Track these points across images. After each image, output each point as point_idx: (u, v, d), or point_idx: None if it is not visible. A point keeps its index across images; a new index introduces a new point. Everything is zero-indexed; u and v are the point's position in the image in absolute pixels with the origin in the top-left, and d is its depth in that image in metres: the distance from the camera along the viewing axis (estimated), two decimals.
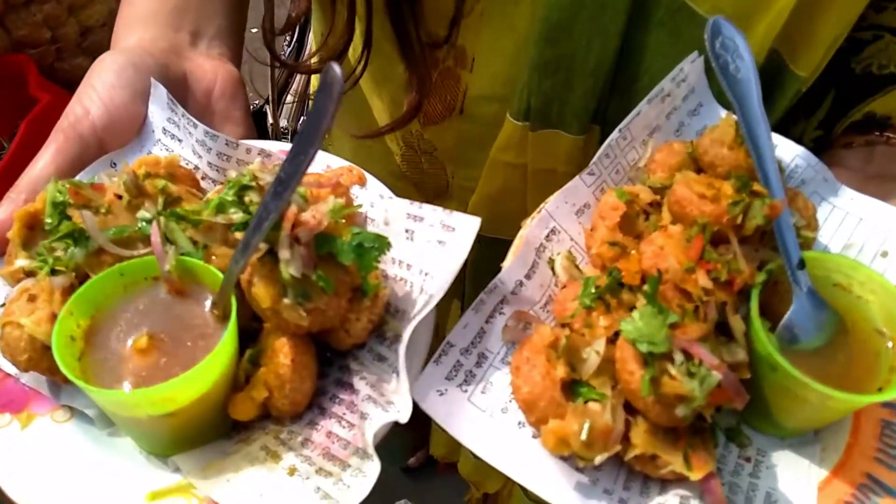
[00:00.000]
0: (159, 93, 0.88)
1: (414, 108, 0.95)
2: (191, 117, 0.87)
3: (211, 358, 0.65)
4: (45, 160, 0.81)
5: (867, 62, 0.91)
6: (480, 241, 1.06)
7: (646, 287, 0.63)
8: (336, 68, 0.59)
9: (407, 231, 0.78)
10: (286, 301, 0.68)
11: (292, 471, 0.66)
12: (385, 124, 1.01)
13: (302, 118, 1.47)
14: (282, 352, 0.70)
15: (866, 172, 0.86)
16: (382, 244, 0.70)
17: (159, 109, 0.89)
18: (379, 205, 0.83)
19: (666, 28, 0.84)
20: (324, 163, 0.89)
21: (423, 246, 0.76)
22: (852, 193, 0.85)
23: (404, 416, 0.63)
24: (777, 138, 0.85)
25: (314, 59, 1.06)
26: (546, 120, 0.93)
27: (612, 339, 0.67)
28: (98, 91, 0.85)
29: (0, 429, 0.69)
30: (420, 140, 1.08)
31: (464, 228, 0.73)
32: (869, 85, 0.91)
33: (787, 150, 0.85)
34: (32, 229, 0.75)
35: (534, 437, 0.66)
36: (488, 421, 0.66)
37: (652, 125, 0.84)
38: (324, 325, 0.71)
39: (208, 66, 0.96)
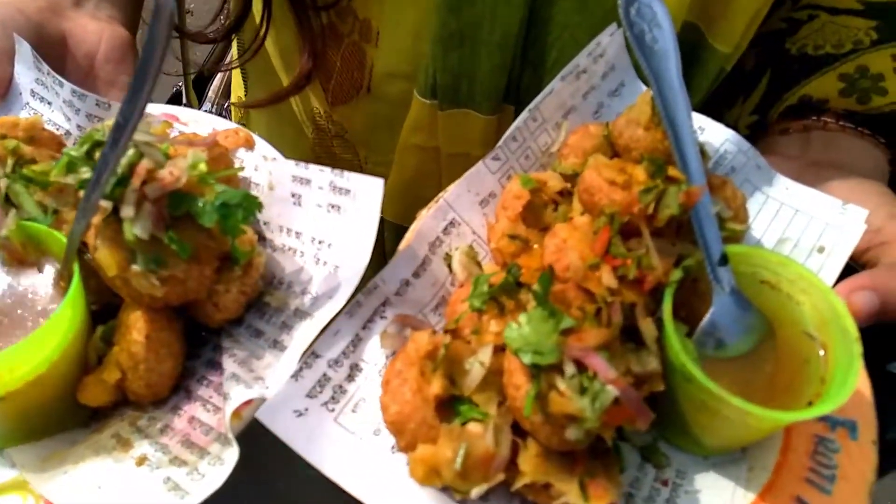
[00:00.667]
0: (24, 50, 0.80)
1: (305, 73, 0.89)
2: (56, 75, 0.78)
3: (42, 331, 0.56)
4: None
5: (802, 43, 0.84)
6: (397, 231, 0.99)
7: (535, 286, 0.54)
8: None
9: (294, 195, 0.70)
10: (135, 268, 0.59)
11: (141, 460, 0.58)
12: (282, 90, 0.93)
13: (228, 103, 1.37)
14: (135, 327, 0.61)
15: (803, 160, 0.79)
16: (251, 205, 0.62)
17: (27, 70, 0.80)
18: (263, 167, 0.74)
19: None
20: (209, 125, 0.81)
21: (313, 211, 0.69)
22: (788, 182, 0.76)
23: (272, 391, 0.56)
24: (704, 121, 0.77)
25: (211, 28, 0.96)
26: (455, 98, 0.86)
27: (504, 348, 0.57)
28: None
29: None
30: (330, 122, 1.00)
31: (364, 191, 0.66)
32: (805, 66, 0.83)
33: (716, 134, 0.77)
34: None
35: (410, 475, 0.56)
36: (357, 445, 0.56)
37: (566, 105, 0.74)
38: (186, 296, 0.62)
39: (92, 28, 0.87)
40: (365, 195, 0.66)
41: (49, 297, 0.62)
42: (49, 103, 0.81)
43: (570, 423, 0.51)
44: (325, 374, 0.58)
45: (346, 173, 0.67)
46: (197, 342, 0.68)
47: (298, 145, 1.09)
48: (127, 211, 0.58)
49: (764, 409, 0.55)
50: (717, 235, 0.62)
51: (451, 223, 0.69)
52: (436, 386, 0.53)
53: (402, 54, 0.88)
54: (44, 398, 0.60)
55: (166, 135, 0.75)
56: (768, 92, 0.87)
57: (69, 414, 0.63)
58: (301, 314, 0.64)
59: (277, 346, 0.62)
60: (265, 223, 0.73)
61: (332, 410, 0.57)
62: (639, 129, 0.66)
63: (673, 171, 0.62)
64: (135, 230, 0.57)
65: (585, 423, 0.50)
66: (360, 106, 0.96)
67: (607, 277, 0.57)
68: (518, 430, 0.55)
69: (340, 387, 0.58)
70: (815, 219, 0.74)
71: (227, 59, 1.27)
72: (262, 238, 0.73)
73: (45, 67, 0.79)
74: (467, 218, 0.70)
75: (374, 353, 0.60)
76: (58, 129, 0.80)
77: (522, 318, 0.52)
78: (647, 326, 0.59)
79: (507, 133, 0.71)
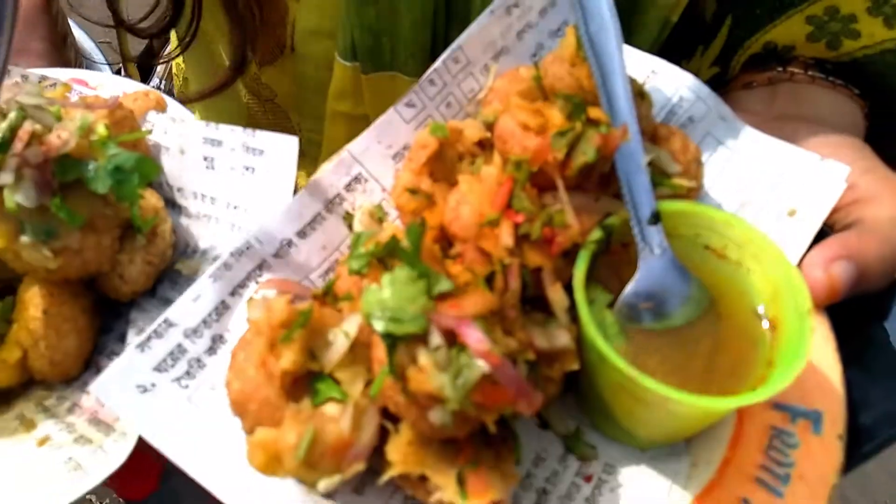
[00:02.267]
0: None
1: (236, 64, 0.83)
2: None
3: None
4: None
5: None
6: None
7: (404, 240, 0.45)
8: None
9: (206, 158, 0.65)
10: (24, 239, 0.55)
11: (43, 441, 0.55)
12: (219, 80, 0.87)
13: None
14: (31, 303, 0.57)
15: (768, 115, 0.69)
16: (148, 169, 0.57)
17: None
18: (172, 130, 0.69)
19: None
20: (118, 89, 0.75)
21: (226, 175, 0.64)
22: (757, 135, 0.66)
23: None
24: (658, 63, 0.67)
25: (145, 23, 0.90)
26: (378, 60, 0.78)
27: None
28: None
29: None
30: (259, 85, 0.94)
31: (277, 150, 0.61)
32: (768, 9, 0.73)
33: (671, 79, 0.66)
34: None
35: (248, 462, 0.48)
36: (213, 429, 0.49)
37: (496, 45, 0.65)
38: (85, 269, 0.58)
39: None
40: (278, 154, 0.61)
41: None
42: None
43: (434, 405, 0.42)
44: (179, 345, 0.50)
45: (258, 132, 0.62)
46: (111, 317, 0.63)
47: (235, 116, 1.02)
48: (5, 178, 0.53)
49: (686, 395, 0.45)
50: (647, 189, 0.52)
51: (356, 178, 0.60)
52: (286, 360, 0.45)
53: (324, 9, 0.80)
54: None
55: (66, 98, 0.69)
56: (730, 40, 0.76)
57: None
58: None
59: None
60: (179, 189, 0.68)
61: (186, 387, 0.50)
62: (564, 66, 0.57)
63: (595, 113, 0.52)
64: (16, 198, 0.53)
65: (448, 405, 0.41)
66: (285, 66, 0.89)
67: (505, 236, 0.48)
68: (389, 415, 0.47)
69: (198, 360, 0.51)
70: (786, 176, 0.64)
71: (166, 49, 1.21)
72: (175, 205, 0.68)
73: None
74: (377, 173, 0.61)
75: (244, 324, 0.52)
76: None
77: (385, 278, 0.44)
78: (555, 294, 0.50)
79: (424, 76, 0.62)
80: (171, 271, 0.64)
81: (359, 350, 0.47)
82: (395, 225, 0.57)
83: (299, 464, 0.42)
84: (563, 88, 0.56)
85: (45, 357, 0.57)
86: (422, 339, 0.42)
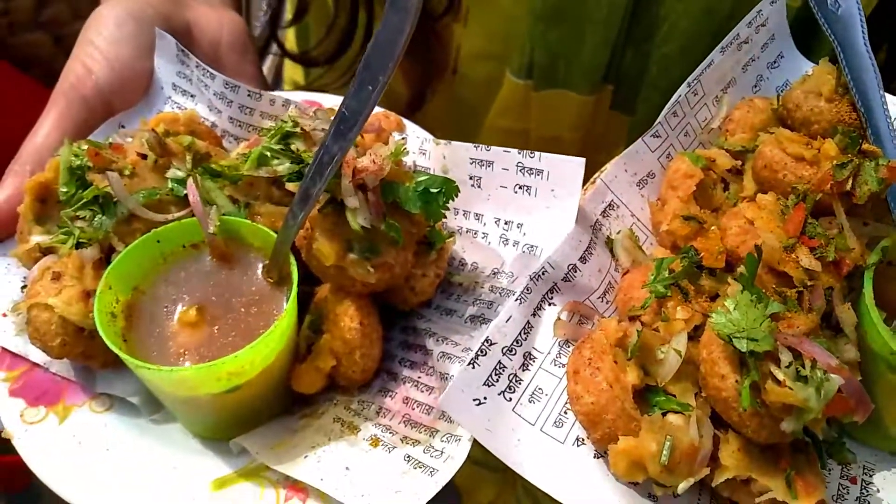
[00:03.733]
0: (167, 44, 0.78)
1: (415, 102, 0.88)
2: (207, 67, 0.76)
3: (278, 325, 0.56)
4: (48, 127, 0.71)
5: None
6: None
7: (741, 269, 0.50)
8: None
9: (472, 178, 0.69)
10: (352, 256, 0.59)
11: (375, 442, 0.58)
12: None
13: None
14: (347, 315, 0.61)
15: None
16: (450, 188, 0.61)
17: (167, 63, 0.79)
18: (433, 151, 0.73)
19: None
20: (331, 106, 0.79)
21: (494, 192, 0.68)
22: None
23: None
24: (887, 97, 0.72)
25: (317, 51, 0.95)
26: (552, 78, 0.83)
27: (693, 336, 0.54)
28: (99, 47, 0.75)
29: (36, 424, 0.61)
30: (404, 108, 0.97)
31: (562, 171, 0.64)
32: None
33: None
34: (44, 202, 0.67)
35: (596, 456, 0.53)
36: (538, 436, 0.54)
37: (727, 78, 0.70)
38: (391, 282, 0.63)
39: (212, 16, 0.86)
40: (562, 175, 0.63)
41: (258, 289, 0.61)
42: (192, 96, 0.80)
43: (787, 415, 0.47)
44: (499, 363, 0.55)
45: (537, 153, 0.65)
46: (386, 326, 0.67)
47: None
48: (352, 202, 0.57)
49: None
50: None
51: (610, 205, 0.65)
52: (632, 375, 0.50)
53: (494, 34, 0.84)
54: (266, 387, 0.60)
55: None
56: (888, 63, 0.80)
57: (278, 401, 0.64)
58: (498, 290, 0.64)
59: (476, 320, 0.62)
60: None
61: (510, 400, 0.55)
62: (820, 101, 0.62)
63: (867, 146, 0.57)
64: (360, 220, 0.57)
65: (808, 415, 0.46)
66: (443, 89, 0.93)
67: (807, 259, 0.53)
68: (717, 422, 0.52)
69: (515, 376, 0.56)
70: None
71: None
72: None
73: (193, 60, 0.78)
74: (626, 200, 0.66)
75: (545, 341, 0.58)
76: (205, 122, 0.79)
77: (729, 303, 0.49)
78: (845, 312, 0.55)
79: (666, 109, 0.67)
80: (444, 282, 0.68)
81: (682, 366, 0.52)
82: (664, 252, 0.62)
83: (661, 469, 0.47)
84: (823, 122, 0.61)
85: (358, 365, 0.61)
86: (771, 355, 0.47)
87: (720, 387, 0.49)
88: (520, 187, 0.66)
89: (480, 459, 0.54)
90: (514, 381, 0.56)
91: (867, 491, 0.58)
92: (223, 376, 0.56)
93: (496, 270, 0.66)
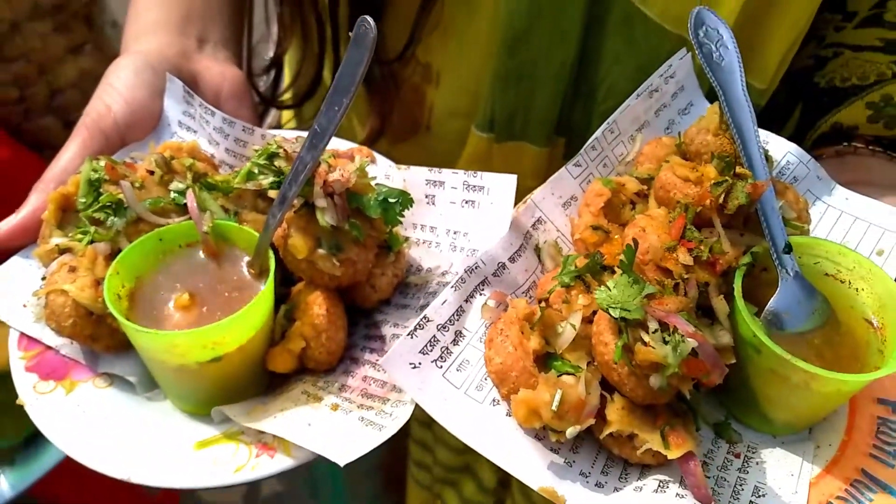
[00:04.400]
0: (175, 87, 0.92)
1: (376, 130, 1.00)
2: (208, 106, 0.90)
3: (255, 302, 0.67)
4: (70, 153, 0.84)
5: (830, 76, 0.93)
6: None
7: (622, 256, 0.62)
8: (370, 19, 0.64)
9: (427, 196, 0.82)
10: (321, 251, 0.71)
11: (335, 407, 0.69)
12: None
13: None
14: (316, 303, 0.73)
15: (839, 179, 0.85)
16: (406, 200, 0.74)
17: (175, 104, 0.93)
18: (395, 175, 0.86)
19: (620, 34, 0.87)
20: (334, 145, 0.91)
21: (445, 208, 0.80)
22: (847, 193, 0.83)
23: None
24: (768, 135, 0.85)
25: (287, 95, 1.09)
26: (510, 131, 0.96)
27: (590, 320, 0.65)
28: (118, 89, 0.89)
29: (46, 394, 0.72)
30: (391, 158, 1.10)
31: (498, 186, 0.77)
32: (833, 98, 0.92)
33: (780, 147, 0.85)
34: (65, 211, 0.79)
35: (508, 415, 0.64)
36: (461, 397, 0.65)
37: (640, 120, 0.84)
38: (353, 277, 0.74)
39: (216, 69, 1.00)
40: (498, 189, 0.77)
41: (242, 279, 0.73)
42: (194, 132, 0.93)
43: (653, 372, 0.58)
44: (434, 336, 0.66)
45: (479, 173, 0.78)
46: (351, 322, 0.78)
47: None
48: (321, 202, 0.70)
49: (828, 371, 0.61)
50: (781, 226, 0.70)
51: (539, 220, 0.78)
52: (534, 342, 0.62)
53: (462, 93, 0.98)
54: (244, 362, 0.71)
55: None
56: (801, 121, 0.95)
57: (255, 380, 0.75)
58: (444, 285, 0.74)
59: (425, 307, 0.72)
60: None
61: (441, 367, 0.66)
62: (708, 136, 0.75)
63: (740, 170, 0.70)
64: (327, 219, 0.70)
65: (668, 370, 0.57)
66: (418, 143, 1.06)
67: (683, 256, 0.65)
68: (606, 388, 0.63)
69: (447, 348, 0.67)
70: (872, 225, 0.81)
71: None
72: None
73: (197, 100, 0.91)
74: (552, 217, 0.79)
75: (474, 323, 0.69)
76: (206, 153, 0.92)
77: (610, 282, 0.61)
78: (719, 303, 0.66)
79: (587, 143, 0.80)
80: (402, 284, 0.80)
81: (578, 340, 0.63)
82: (578, 255, 0.74)
83: (552, 415, 0.58)
84: (709, 153, 0.74)
85: (324, 346, 0.72)
86: (641, 325, 0.59)
87: (604, 351, 0.60)
88: (466, 202, 0.79)
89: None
90: (445, 352, 0.67)
91: (748, 464, 0.69)
92: (207, 344, 0.67)
93: (445, 271, 0.77)
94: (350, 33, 0.65)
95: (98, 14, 1.63)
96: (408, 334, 0.65)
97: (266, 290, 0.68)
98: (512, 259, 0.73)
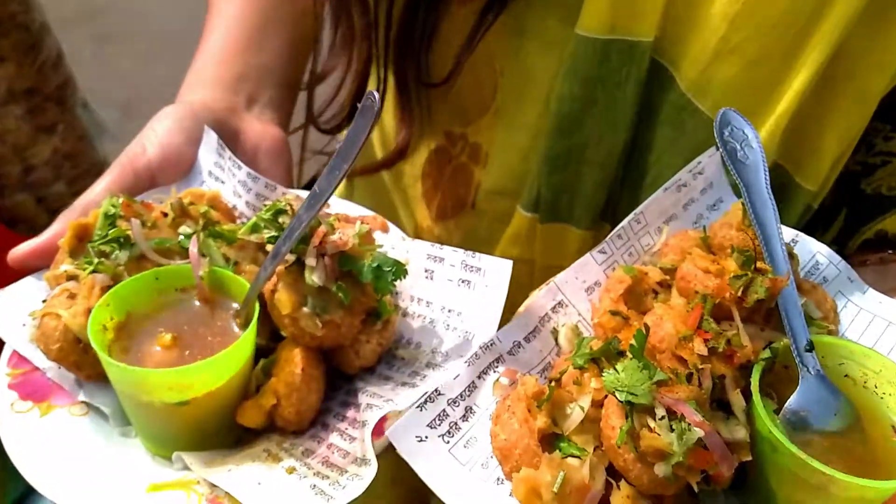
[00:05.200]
0: (210, 138, 0.97)
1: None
2: (237, 160, 0.95)
3: (230, 350, 0.69)
4: (101, 187, 0.90)
5: (877, 184, 0.93)
6: None
7: (632, 341, 0.62)
8: (375, 94, 0.69)
9: (426, 270, 0.83)
10: (305, 310, 0.73)
11: (291, 470, 0.69)
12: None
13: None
14: (293, 361, 0.74)
15: (881, 287, 0.83)
16: (400, 270, 0.76)
17: (208, 154, 0.98)
18: (400, 246, 0.88)
19: (671, 124, 0.88)
20: (345, 209, 0.94)
21: (443, 284, 0.81)
22: (880, 297, 0.82)
23: (400, 406, 0.68)
24: (798, 234, 0.85)
25: (325, 117, 1.13)
26: (555, 212, 0.97)
27: (601, 404, 0.65)
28: (157, 133, 0.95)
29: (22, 414, 0.75)
30: (430, 237, 1.12)
31: (494, 270, 0.78)
32: (879, 205, 0.92)
33: (809, 246, 0.84)
34: (82, 240, 0.83)
35: (510, 494, 0.63)
36: (467, 475, 0.64)
37: (668, 213, 0.85)
38: (336, 340, 0.75)
39: (258, 128, 1.06)
40: (494, 273, 0.78)
41: (227, 327, 0.75)
42: (223, 182, 0.97)
43: (659, 460, 0.57)
44: (444, 411, 0.67)
45: (478, 254, 0.80)
46: (332, 386, 0.79)
47: None
48: (310, 261, 0.73)
49: (847, 476, 0.59)
50: (803, 324, 0.69)
51: (560, 303, 0.78)
52: (540, 421, 0.61)
53: (509, 173, 1.00)
54: (214, 410, 0.72)
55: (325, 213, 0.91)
56: (845, 226, 0.94)
57: (223, 430, 0.75)
58: (433, 366, 0.75)
59: (406, 385, 0.73)
60: (397, 292, 0.86)
61: (448, 442, 0.66)
62: (732, 230, 0.76)
63: (761, 264, 0.70)
64: (314, 277, 0.72)
65: (673, 458, 0.56)
66: (462, 221, 1.08)
67: (699, 346, 0.65)
68: (612, 474, 0.61)
69: (456, 424, 0.67)
70: None
71: None
72: (395, 305, 0.85)
73: (228, 153, 0.95)
74: (574, 301, 0.79)
75: (486, 399, 0.69)
76: (228, 203, 0.95)
77: (619, 366, 0.61)
78: (735, 397, 0.65)
79: (613, 232, 0.81)
80: (389, 355, 0.80)
81: (587, 423, 0.63)
82: (595, 339, 0.74)
83: (553, 497, 0.57)
84: (732, 246, 0.75)
85: (294, 406, 0.72)
86: (649, 410, 0.59)
87: (610, 435, 0.60)
88: (462, 281, 0.80)
89: None
90: (453, 427, 0.67)
91: None
92: (175, 385, 0.68)
93: (435, 350, 0.78)
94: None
95: (70, 96, 1.73)
96: (417, 406, 0.66)
97: (242, 339, 0.70)
98: (527, 339, 0.74)
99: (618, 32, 0.85)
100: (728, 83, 0.84)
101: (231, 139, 1.00)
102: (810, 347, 0.68)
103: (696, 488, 0.58)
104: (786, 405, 0.67)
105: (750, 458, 0.64)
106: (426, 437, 0.65)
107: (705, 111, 0.85)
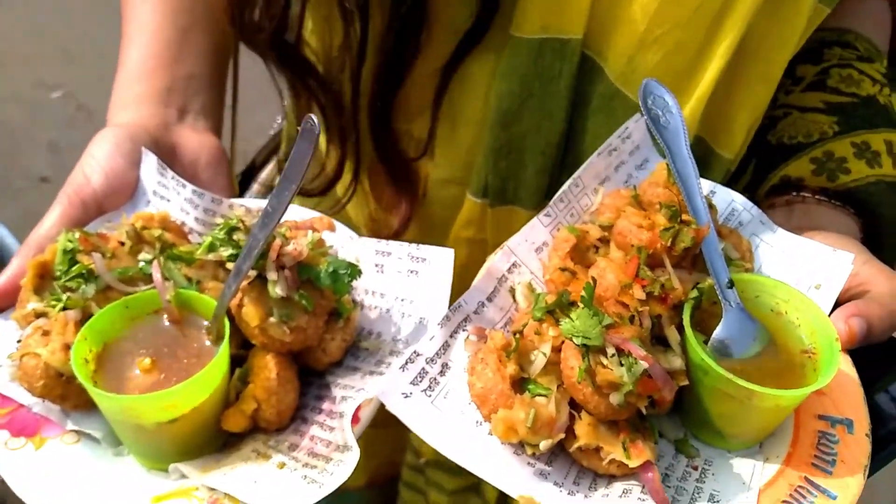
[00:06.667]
0: (150, 160, 0.98)
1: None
2: (180, 178, 0.97)
3: (209, 367, 0.74)
4: (51, 221, 0.90)
5: (780, 134, 1.05)
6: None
7: (583, 293, 0.72)
8: (314, 119, 0.74)
9: (377, 265, 0.90)
10: (272, 320, 0.78)
11: (281, 465, 0.75)
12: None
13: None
14: (267, 367, 0.80)
15: (788, 226, 0.96)
16: (354, 271, 0.83)
17: (150, 174, 0.99)
18: (349, 245, 0.95)
19: (603, 112, 0.99)
20: (297, 214, 0.99)
21: (393, 276, 0.88)
22: (787, 235, 0.94)
23: (371, 394, 0.75)
24: (716, 186, 0.97)
25: (315, 184, 1.17)
26: (503, 196, 1.06)
27: (559, 349, 0.75)
28: (98, 160, 0.96)
29: (17, 450, 0.78)
30: (384, 226, 1.17)
31: (438, 259, 0.86)
32: (782, 153, 1.04)
33: (726, 196, 0.96)
34: (43, 277, 0.84)
35: (489, 434, 0.73)
36: (449, 421, 0.73)
37: (602, 175, 0.95)
38: (304, 343, 0.81)
39: (194, 139, 1.07)
40: (437, 261, 0.86)
41: (200, 345, 0.80)
42: (168, 200, 0.99)
43: (612, 391, 0.68)
44: (423, 369, 0.76)
45: (422, 246, 0.87)
46: (305, 384, 0.85)
47: None
48: (272, 275, 0.78)
49: (765, 388, 0.71)
50: (723, 265, 0.80)
51: (514, 265, 0.88)
52: (510, 368, 0.71)
53: (457, 164, 1.08)
54: (200, 422, 0.78)
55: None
56: (755, 175, 1.07)
57: (210, 438, 0.81)
58: (395, 353, 0.83)
59: (374, 374, 0.81)
60: (353, 288, 0.91)
61: (429, 396, 0.75)
62: (658, 188, 0.86)
63: (685, 216, 0.81)
64: (277, 290, 0.78)
65: (625, 388, 0.67)
66: (414, 210, 1.14)
67: (638, 292, 0.75)
68: (573, 407, 0.72)
69: (435, 379, 0.76)
70: (811, 262, 0.91)
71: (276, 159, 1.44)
72: (353, 301, 0.91)
73: (170, 173, 0.97)
74: (526, 261, 0.89)
75: (458, 355, 0.78)
76: (176, 221, 0.96)
77: (573, 314, 0.71)
78: (671, 332, 0.76)
79: (556, 196, 0.91)
80: (354, 348, 0.87)
81: (549, 366, 0.73)
82: (548, 294, 0.84)
83: (527, 431, 0.67)
84: (659, 202, 0.85)
85: (274, 408, 0.78)
86: (601, 350, 0.69)
87: (570, 374, 0.70)
88: (410, 272, 0.87)
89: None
90: (433, 382, 0.76)
91: (704, 475, 0.77)
92: (162, 406, 0.73)
93: (395, 338, 0.85)
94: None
95: None
96: (399, 367, 0.75)
97: (218, 357, 0.75)
98: (489, 298, 0.83)
99: (550, 32, 0.93)
100: (651, 72, 0.93)
101: (169, 155, 1.01)
102: (731, 285, 0.80)
103: (644, 412, 0.69)
104: (713, 335, 0.78)
105: (687, 383, 0.75)
106: (410, 394, 0.74)
107: (633, 98, 0.95)
